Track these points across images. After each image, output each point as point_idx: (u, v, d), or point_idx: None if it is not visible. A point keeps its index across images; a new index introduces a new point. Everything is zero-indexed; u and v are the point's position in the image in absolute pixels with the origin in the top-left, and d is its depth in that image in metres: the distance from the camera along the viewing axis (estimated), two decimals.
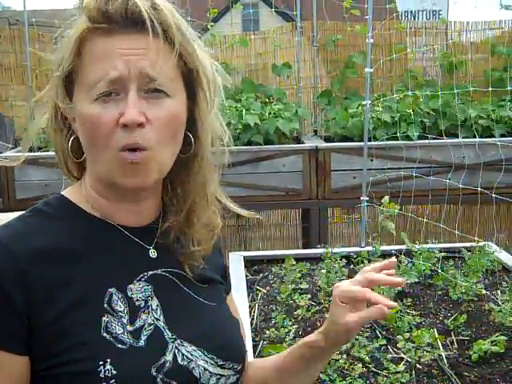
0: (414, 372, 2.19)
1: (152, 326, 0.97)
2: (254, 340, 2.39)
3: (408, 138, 4.58)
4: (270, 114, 4.86)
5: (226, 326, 1.08)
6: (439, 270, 2.87)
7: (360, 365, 2.23)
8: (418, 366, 2.23)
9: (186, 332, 0.99)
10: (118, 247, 1.01)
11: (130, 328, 0.95)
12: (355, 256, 3.12)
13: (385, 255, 3.09)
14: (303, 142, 5.08)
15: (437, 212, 5.37)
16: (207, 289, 1.07)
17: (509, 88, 3.58)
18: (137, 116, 0.92)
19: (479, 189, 2.92)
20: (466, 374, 2.16)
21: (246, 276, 3.06)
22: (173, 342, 0.97)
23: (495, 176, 3.52)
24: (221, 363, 1.01)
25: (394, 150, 4.57)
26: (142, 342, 0.95)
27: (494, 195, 2.78)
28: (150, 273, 1.01)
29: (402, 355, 2.31)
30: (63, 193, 1.05)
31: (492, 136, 4.69)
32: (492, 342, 2.28)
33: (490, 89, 3.29)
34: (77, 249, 0.97)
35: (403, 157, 4.18)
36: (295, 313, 2.61)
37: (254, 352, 2.28)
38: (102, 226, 1.01)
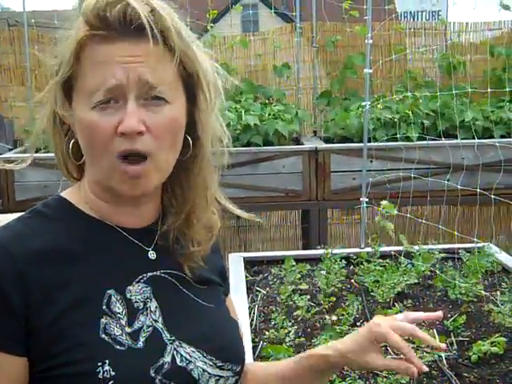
0: None
1: (151, 328, 0.97)
2: (253, 341, 2.39)
3: (407, 139, 4.58)
4: (269, 115, 4.86)
5: (224, 328, 1.08)
6: (437, 272, 2.86)
7: None
8: None
9: (185, 333, 0.99)
10: (116, 248, 1.01)
11: (128, 329, 0.95)
12: (355, 257, 3.12)
13: (385, 256, 3.09)
14: (303, 143, 5.08)
15: (437, 213, 5.37)
16: (206, 290, 1.07)
17: (508, 89, 3.58)
18: (136, 125, 0.92)
19: (478, 190, 2.91)
20: (466, 374, 2.16)
21: (246, 277, 3.06)
22: (171, 343, 0.97)
23: (494, 177, 3.52)
24: (220, 364, 1.01)
25: (394, 151, 4.57)
26: (140, 344, 0.95)
27: (492, 196, 2.78)
28: (149, 274, 1.01)
29: (402, 356, 2.30)
30: (62, 194, 1.05)
31: (491, 137, 4.69)
32: (491, 343, 2.28)
33: (489, 90, 3.30)
34: (76, 250, 0.97)
35: (402, 158, 4.18)
36: (295, 314, 2.61)
37: (254, 353, 2.28)
38: (100, 228, 1.01)
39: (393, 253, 3.02)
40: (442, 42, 5.87)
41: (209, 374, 0.99)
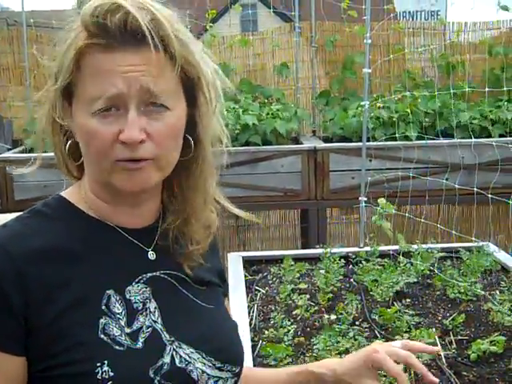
0: (412, 371, 2.19)
1: (150, 329, 0.97)
2: (252, 340, 2.39)
3: (406, 138, 4.58)
4: (268, 114, 4.86)
5: (224, 329, 1.08)
6: (435, 271, 2.87)
7: None
8: None
9: (184, 334, 0.99)
10: (116, 249, 1.01)
11: (127, 330, 0.95)
12: (354, 256, 3.12)
13: (383, 255, 3.09)
14: (302, 143, 5.08)
15: (436, 212, 5.38)
16: (205, 291, 1.07)
17: (506, 88, 3.58)
18: (137, 135, 0.91)
19: (475, 189, 2.91)
20: (465, 373, 2.16)
21: (245, 276, 3.06)
22: (171, 344, 0.97)
23: (492, 176, 3.53)
24: (219, 365, 1.01)
25: (393, 150, 4.57)
26: (139, 344, 0.95)
27: (490, 195, 2.78)
28: (149, 275, 1.01)
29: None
30: (62, 194, 1.05)
31: (489, 137, 4.69)
32: (491, 341, 2.28)
33: (487, 89, 3.30)
34: (75, 249, 0.97)
35: (401, 157, 4.18)
36: (294, 313, 2.61)
37: (253, 352, 2.28)
38: (100, 227, 1.01)
39: (391, 252, 3.02)
40: (440, 41, 5.87)
41: (208, 375, 0.99)
